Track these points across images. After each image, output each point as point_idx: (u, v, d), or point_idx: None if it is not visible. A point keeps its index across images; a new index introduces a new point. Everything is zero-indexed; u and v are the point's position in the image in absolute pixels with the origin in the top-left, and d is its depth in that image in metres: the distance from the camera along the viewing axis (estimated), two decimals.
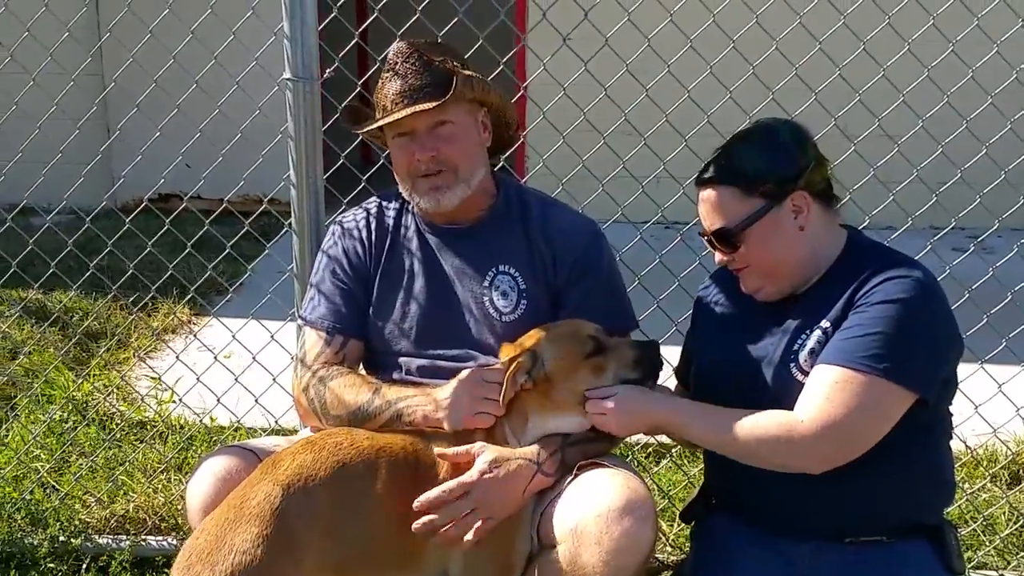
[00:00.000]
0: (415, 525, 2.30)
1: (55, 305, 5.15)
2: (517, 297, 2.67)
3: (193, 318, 5.43)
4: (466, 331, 2.68)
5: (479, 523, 2.33)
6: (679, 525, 3.35)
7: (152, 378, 4.29)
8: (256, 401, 3.57)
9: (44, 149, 3.63)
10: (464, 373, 2.51)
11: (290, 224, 3.14)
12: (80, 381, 4.39)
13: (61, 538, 3.34)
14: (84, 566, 3.29)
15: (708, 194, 2.44)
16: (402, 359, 2.72)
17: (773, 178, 2.38)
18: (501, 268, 2.69)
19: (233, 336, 3.59)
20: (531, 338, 2.49)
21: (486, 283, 2.68)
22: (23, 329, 5.11)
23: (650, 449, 3.82)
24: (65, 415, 4.12)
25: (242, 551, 2.17)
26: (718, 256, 2.48)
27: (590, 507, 2.30)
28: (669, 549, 3.30)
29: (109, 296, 4.21)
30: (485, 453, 2.39)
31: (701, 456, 3.00)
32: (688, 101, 3.46)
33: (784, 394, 2.34)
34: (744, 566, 2.50)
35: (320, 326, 2.72)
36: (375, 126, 2.63)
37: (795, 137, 2.43)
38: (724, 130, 2.74)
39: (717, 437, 2.34)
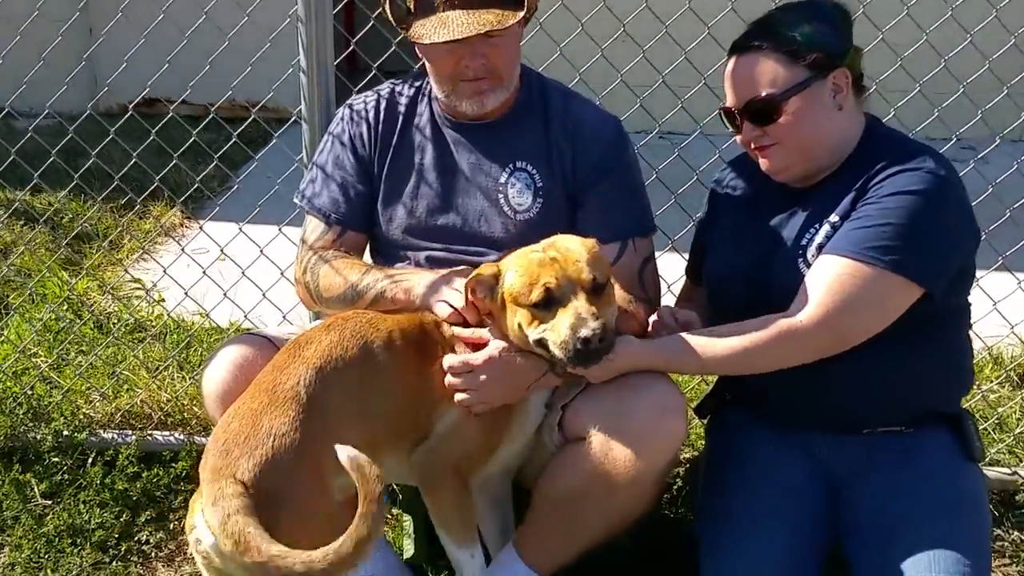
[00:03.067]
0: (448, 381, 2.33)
1: (44, 207, 5.05)
2: (533, 195, 2.60)
3: (186, 221, 5.33)
4: (478, 228, 2.62)
5: (477, 403, 2.33)
6: (692, 422, 3.35)
7: (135, 280, 4.25)
8: (264, 295, 3.54)
9: (27, 54, 3.53)
10: (448, 271, 2.48)
11: (299, 112, 3.06)
12: (75, 281, 4.31)
13: (65, 432, 3.30)
14: (90, 460, 3.25)
15: (748, 60, 2.36)
16: (410, 253, 2.67)
17: (823, 48, 2.32)
18: (518, 164, 2.61)
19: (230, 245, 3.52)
20: (516, 256, 2.35)
21: (502, 179, 2.61)
22: (12, 231, 5.01)
23: None
24: (61, 314, 4.05)
25: (280, 434, 2.15)
26: (744, 134, 2.40)
27: (624, 401, 2.30)
28: (682, 447, 3.29)
29: (101, 198, 4.09)
30: (497, 340, 2.35)
31: None
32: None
33: (793, 290, 2.30)
34: (762, 455, 2.49)
35: (318, 213, 2.66)
36: (449, 39, 2.40)
37: (842, 14, 2.38)
38: (722, 39, 2.64)
39: (712, 365, 2.33)
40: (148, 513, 3.11)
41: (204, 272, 3.59)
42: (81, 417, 3.39)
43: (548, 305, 2.24)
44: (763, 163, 2.42)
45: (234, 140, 3.56)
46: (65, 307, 4.13)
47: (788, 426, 2.49)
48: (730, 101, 2.41)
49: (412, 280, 2.48)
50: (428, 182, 2.65)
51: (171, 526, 3.09)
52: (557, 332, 2.22)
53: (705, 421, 2.81)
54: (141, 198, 3.83)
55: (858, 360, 2.28)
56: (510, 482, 2.63)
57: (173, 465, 3.24)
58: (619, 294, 2.44)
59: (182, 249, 3.82)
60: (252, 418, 2.18)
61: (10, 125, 5.37)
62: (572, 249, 2.31)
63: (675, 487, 3.09)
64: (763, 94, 2.33)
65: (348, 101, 2.76)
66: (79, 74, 4.10)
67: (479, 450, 2.39)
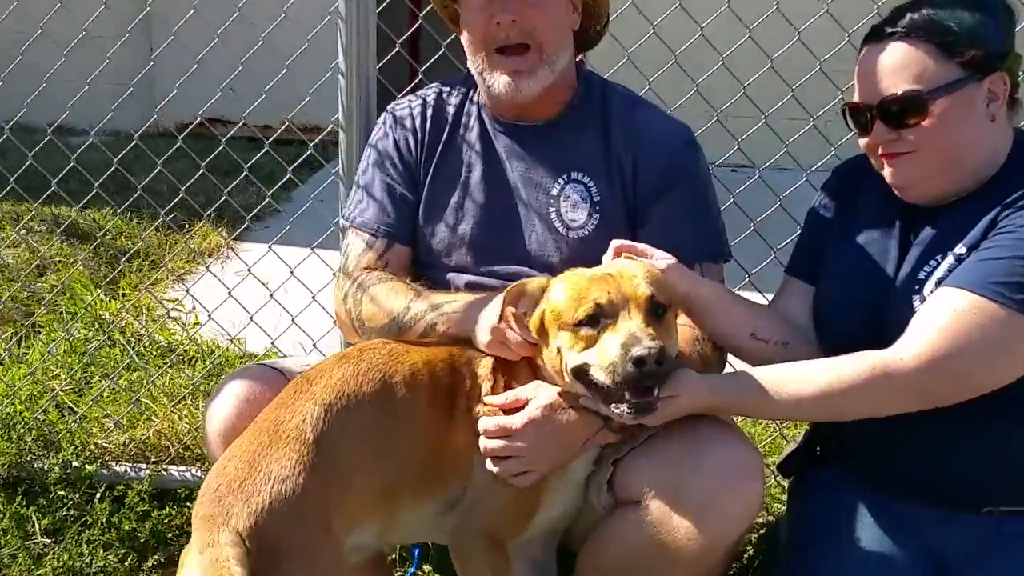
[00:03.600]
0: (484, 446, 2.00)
1: (89, 224, 4.87)
2: (589, 209, 2.28)
3: (233, 243, 5.09)
4: (527, 246, 2.31)
5: (519, 472, 1.99)
6: (767, 481, 2.94)
7: (171, 300, 3.98)
8: (293, 320, 3.23)
9: (87, 74, 3.39)
10: (491, 293, 2.16)
11: (336, 120, 2.76)
12: (107, 300, 4.07)
13: (74, 463, 3.02)
14: (98, 495, 2.97)
15: (893, 50, 1.99)
16: (450, 275, 2.36)
17: (983, 45, 1.95)
18: (574, 175, 2.30)
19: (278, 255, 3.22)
20: (568, 272, 2.04)
21: (555, 191, 2.30)
22: (53, 246, 4.81)
23: None
24: (90, 335, 3.80)
25: (281, 479, 1.86)
26: (874, 136, 2.03)
27: (688, 458, 1.94)
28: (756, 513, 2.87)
29: (147, 217, 3.85)
30: (539, 396, 2.00)
31: None
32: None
33: (904, 330, 1.94)
34: (858, 528, 2.11)
35: (364, 228, 2.37)
36: None
37: (1007, 11, 2.01)
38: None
39: (792, 407, 1.94)
40: (156, 557, 2.81)
41: (229, 293, 3.31)
42: (92, 447, 3.11)
43: (595, 323, 1.89)
44: (889, 174, 2.05)
45: (287, 162, 3.33)
46: (95, 327, 3.88)
47: (892, 495, 2.12)
48: (859, 96, 2.05)
49: (458, 304, 2.15)
50: (473, 195, 2.36)
51: None
52: (603, 353, 1.86)
53: (788, 481, 2.40)
54: (193, 221, 3.59)
55: (985, 421, 1.92)
56: (555, 546, 2.27)
57: (188, 504, 2.93)
58: (683, 333, 2.10)
59: (207, 269, 3.56)
60: (250, 460, 1.89)
61: (67, 142, 5.24)
62: (630, 267, 1.99)
63: (746, 556, 2.69)
64: (905, 91, 1.96)
65: (389, 106, 2.48)
66: (138, 94, 4.03)
67: (513, 515, 2.04)
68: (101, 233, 4.77)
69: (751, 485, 1.94)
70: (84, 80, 3.37)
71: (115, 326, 3.91)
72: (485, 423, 2.01)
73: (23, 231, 4.74)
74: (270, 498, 1.83)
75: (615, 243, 2.13)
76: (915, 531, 2.08)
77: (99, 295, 4.11)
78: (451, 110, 2.40)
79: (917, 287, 1.99)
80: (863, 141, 2.08)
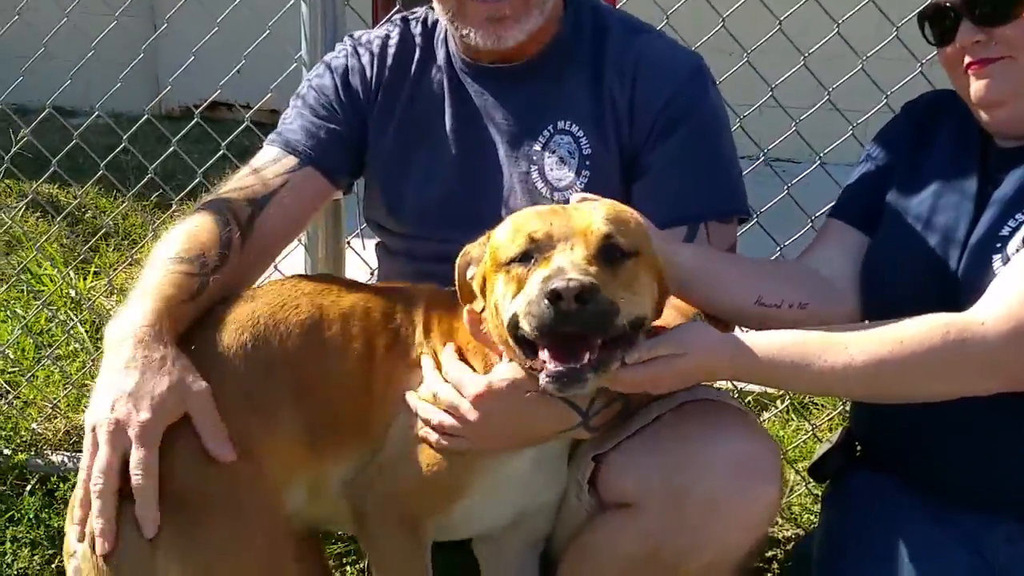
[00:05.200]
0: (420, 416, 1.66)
1: (70, 203, 4.55)
2: (578, 165, 1.91)
3: None
4: (503, 210, 1.94)
5: (455, 440, 1.63)
6: (795, 488, 2.54)
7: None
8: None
9: (92, 56, 3.14)
10: None
11: (299, 57, 2.39)
12: (71, 278, 3.73)
13: (5, 451, 2.67)
14: (29, 487, 2.61)
15: None
16: (412, 243, 2.02)
17: None
18: (560, 124, 1.94)
19: None
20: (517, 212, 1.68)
21: (538, 146, 1.94)
22: (28, 222, 4.49)
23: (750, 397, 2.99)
24: (52, 314, 3.46)
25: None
26: (961, 37, 1.68)
27: (689, 454, 1.59)
28: (780, 521, 2.47)
29: (133, 198, 3.53)
30: (506, 368, 1.62)
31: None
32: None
33: (978, 295, 1.58)
34: (907, 543, 1.72)
35: (276, 142, 2.00)
36: None
37: None
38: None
39: (838, 378, 1.54)
40: None
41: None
42: (24, 433, 2.75)
43: (528, 259, 1.50)
44: (976, 89, 1.70)
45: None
46: (63, 304, 3.55)
47: (950, 505, 1.74)
48: None
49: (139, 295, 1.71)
50: (443, 148, 2.00)
51: None
52: (527, 292, 1.46)
53: (822, 488, 2.00)
54: (178, 197, 3.28)
55: None
56: (536, 557, 1.91)
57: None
58: (678, 306, 1.72)
59: None
60: None
61: (68, 122, 4.97)
62: (595, 203, 1.61)
63: None
64: None
65: (353, 32, 2.11)
66: (142, 75, 3.75)
67: (433, 491, 1.67)
68: (79, 211, 4.47)
69: (765, 487, 1.59)
70: (88, 61, 3.12)
71: (87, 306, 3.58)
72: (434, 387, 1.64)
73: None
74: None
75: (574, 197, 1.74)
76: (975, 547, 1.72)
77: (68, 273, 3.77)
78: (417, 52, 2.04)
79: (999, 245, 1.63)
80: (945, 53, 1.73)
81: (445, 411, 1.62)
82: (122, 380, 1.56)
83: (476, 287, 1.63)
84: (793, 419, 2.96)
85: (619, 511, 1.66)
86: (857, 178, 1.91)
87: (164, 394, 1.56)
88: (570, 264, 1.43)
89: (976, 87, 1.69)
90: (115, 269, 3.91)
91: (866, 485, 1.86)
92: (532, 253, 1.50)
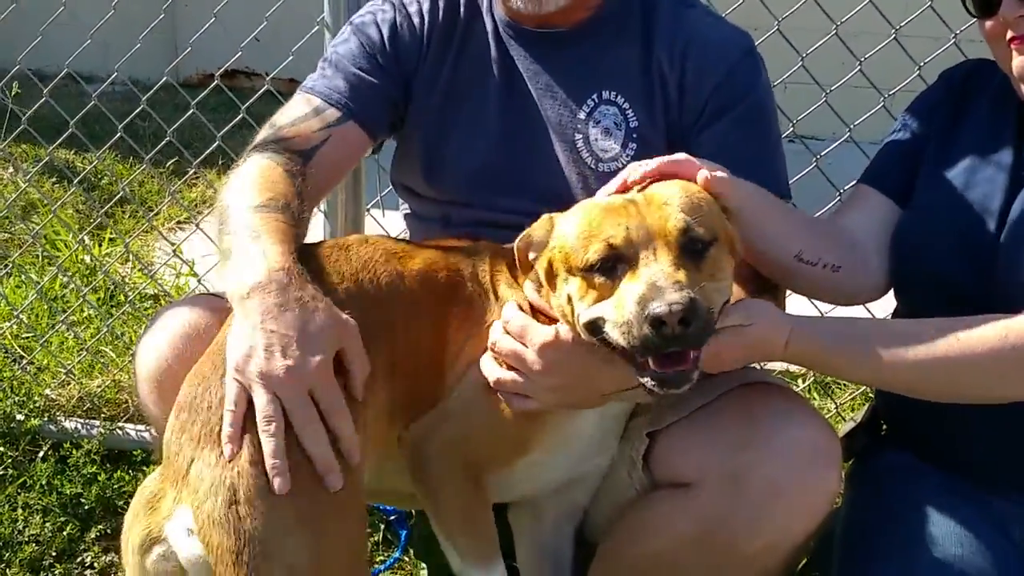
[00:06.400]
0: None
1: (85, 168, 4.52)
2: (624, 137, 1.87)
3: None
4: (546, 181, 1.90)
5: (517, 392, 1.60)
6: None
7: (172, 245, 3.59)
8: None
9: (111, 21, 3.07)
10: None
11: (322, 20, 2.34)
12: (86, 244, 3.70)
13: (18, 416, 2.64)
14: (41, 453, 2.59)
15: None
16: (449, 208, 1.97)
17: None
18: (605, 95, 1.89)
19: None
20: (583, 203, 1.62)
21: (582, 115, 1.88)
22: (43, 187, 4.46)
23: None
24: (66, 280, 3.43)
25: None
26: (1005, 9, 1.60)
27: (751, 438, 1.56)
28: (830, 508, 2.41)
29: (151, 165, 3.48)
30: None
31: None
32: None
33: (1016, 268, 1.57)
34: (933, 524, 1.69)
35: (316, 92, 1.91)
36: None
37: None
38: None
39: (903, 368, 1.52)
40: (101, 527, 2.44)
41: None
42: (37, 398, 2.73)
43: (611, 270, 1.46)
44: (1020, 64, 1.62)
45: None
46: (76, 271, 3.52)
47: (979, 487, 1.71)
48: None
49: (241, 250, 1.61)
50: (483, 116, 1.94)
51: None
52: (619, 307, 1.42)
53: (847, 466, 1.95)
54: (195, 162, 3.23)
55: None
56: (571, 534, 1.88)
57: (144, 468, 2.55)
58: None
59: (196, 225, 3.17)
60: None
61: (85, 89, 4.95)
62: (664, 191, 1.53)
63: None
64: None
65: None
66: (161, 42, 3.79)
67: (497, 439, 1.64)
68: (95, 176, 4.43)
69: (828, 473, 1.56)
70: (107, 25, 3.05)
71: (102, 272, 3.55)
72: (498, 334, 1.61)
73: (12, 172, 4.41)
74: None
75: (630, 168, 1.64)
76: (1004, 531, 1.69)
77: (82, 239, 3.74)
78: (463, 11, 1.97)
79: None
80: (987, 26, 1.66)
81: (510, 366, 1.58)
82: (279, 325, 1.46)
83: (541, 272, 1.59)
84: (816, 398, 2.91)
85: (675, 490, 1.63)
86: (892, 146, 1.85)
87: (328, 331, 1.47)
88: (663, 277, 1.39)
89: (1018, 61, 1.62)
90: (131, 236, 3.89)
91: (892, 464, 1.82)
92: (612, 261, 1.45)
